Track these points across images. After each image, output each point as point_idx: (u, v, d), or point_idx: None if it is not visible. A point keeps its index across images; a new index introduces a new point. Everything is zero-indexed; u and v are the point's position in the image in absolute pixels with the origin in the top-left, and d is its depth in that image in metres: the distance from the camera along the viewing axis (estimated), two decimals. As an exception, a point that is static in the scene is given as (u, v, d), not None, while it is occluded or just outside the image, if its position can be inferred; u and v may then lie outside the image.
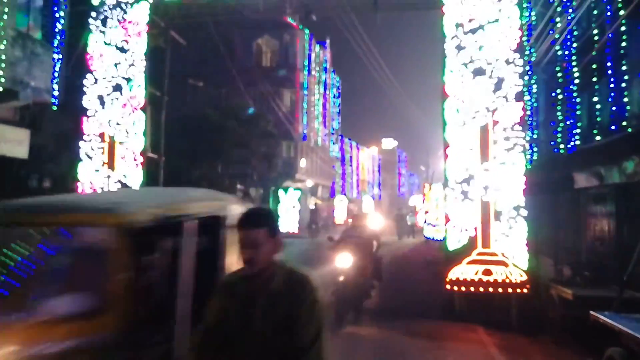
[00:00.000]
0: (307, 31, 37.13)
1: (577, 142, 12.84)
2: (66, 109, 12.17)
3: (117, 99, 10.28)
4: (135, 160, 10.18)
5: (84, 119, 10.34)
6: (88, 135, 10.31)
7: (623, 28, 10.85)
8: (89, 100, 10.35)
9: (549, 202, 13.34)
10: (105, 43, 10.44)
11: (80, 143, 10.30)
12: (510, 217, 8.68)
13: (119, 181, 10.17)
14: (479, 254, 8.81)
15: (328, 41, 45.06)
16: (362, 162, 68.57)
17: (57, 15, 12.53)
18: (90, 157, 10.26)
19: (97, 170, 10.23)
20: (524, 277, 8.53)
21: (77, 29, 11.78)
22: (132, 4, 10.43)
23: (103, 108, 10.30)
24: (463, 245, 8.89)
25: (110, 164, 10.24)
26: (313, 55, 40.05)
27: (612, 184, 11.02)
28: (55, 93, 12.44)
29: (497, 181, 8.76)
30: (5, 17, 10.77)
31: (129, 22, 10.41)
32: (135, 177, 10.16)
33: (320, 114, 43.29)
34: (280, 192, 29.46)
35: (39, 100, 11.74)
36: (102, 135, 10.29)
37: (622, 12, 10.57)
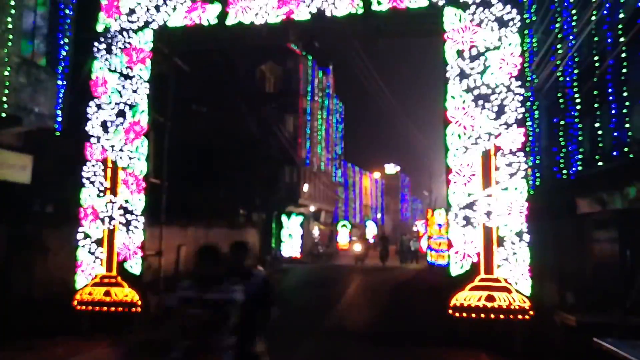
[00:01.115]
0: (310, 57, 37.56)
1: (579, 168, 12.82)
2: (69, 135, 12.24)
3: (121, 124, 10.34)
4: (137, 185, 10.18)
5: (87, 144, 10.39)
6: (91, 160, 10.34)
7: (624, 55, 10.95)
8: (92, 126, 10.41)
9: (552, 227, 13.25)
10: (109, 69, 10.54)
11: (83, 168, 10.32)
12: (513, 243, 8.62)
13: (122, 207, 10.16)
14: (482, 279, 8.72)
15: (331, 67, 45.54)
16: (365, 187, 68.57)
17: (61, 42, 12.71)
18: (92, 183, 10.27)
19: (99, 196, 10.23)
20: (527, 304, 8.43)
21: (81, 55, 11.93)
22: (136, 31, 10.57)
23: (106, 133, 10.35)
24: (466, 271, 8.82)
25: (113, 190, 10.25)
26: (316, 81, 40.43)
27: (614, 209, 10.97)
28: (59, 119, 12.53)
29: (500, 207, 8.72)
30: (10, 44, 10.93)
31: (133, 49, 10.52)
32: (137, 203, 10.15)
33: (323, 139, 43.49)
34: (283, 217, 29.40)
35: (42, 126, 11.83)
36: (105, 161, 10.32)
37: (622, 39, 10.68)
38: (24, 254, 11.28)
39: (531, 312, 8.40)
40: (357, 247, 24.05)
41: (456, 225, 8.95)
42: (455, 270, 8.88)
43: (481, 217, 8.80)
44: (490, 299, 8.60)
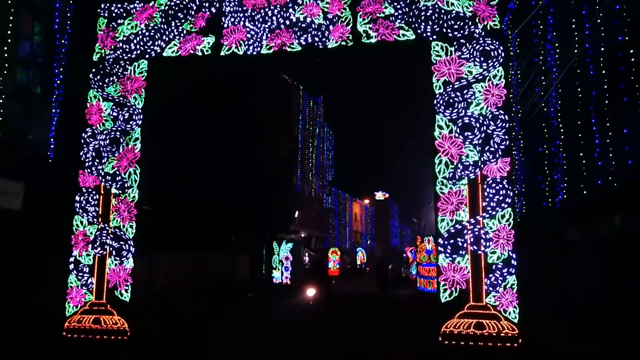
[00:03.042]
0: (301, 87, 38.08)
1: (565, 196, 13.07)
2: (63, 162, 12.32)
3: (114, 152, 10.45)
4: (129, 212, 10.25)
5: (80, 171, 10.47)
6: (84, 188, 10.41)
7: (606, 86, 11.31)
8: (86, 154, 10.51)
9: (540, 254, 13.42)
10: (104, 98, 10.70)
11: (76, 196, 10.38)
12: (501, 271, 8.75)
13: (113, 234, 10.20)
14: (471, 307, 8.83)
15: (321, 97, 46.15)
16: (355, 213, 68.67)
17: (56, 70, 12.89)
18: (85, 210, 10.32)
19: (91, 223, 10.27)
20: (516, 331, 8.53)
21: (76, 83, 12.10)
22: (131, 61, 10.78)
23: (100, 161, 10.45)
24: (455, 299, 8.92)
25: (105, 217, 10.30)
26: (307, 110, 40.90)
27: (601, 236, 11.17)
28: (52, 146, 12.62)
29: (487, 234, 8.88)
30: (5, 72, 11.09)
31: (128, 78, 10.71)
32: (129, 230, 10.20)
33: (314, 166, 43.75)
34: (274, 243, 29.33)
35: (35, 153, 11.91)
36: (97, 188, 10.39)
37: (604, 72, 11.07)
38: (13, 281, 11.21)
39: (520, 340, 8.49)
40: (310, 292, 19.60)
41: (445, 252, 9.09)
42: (444, 298, 8.98)
43: (469, 245, 8.95)
44: (479, 326, 8.69)
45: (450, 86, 9.47)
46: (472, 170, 9.14)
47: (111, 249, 10.18)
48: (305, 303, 18.92)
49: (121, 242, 10.17)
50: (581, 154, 12.26)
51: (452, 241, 9.06)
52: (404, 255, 45.35)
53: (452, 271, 8.97)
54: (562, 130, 13.27)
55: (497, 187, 8.97)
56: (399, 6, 9.83)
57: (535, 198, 14.79)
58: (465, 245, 8.98)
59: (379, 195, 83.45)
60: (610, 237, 11.26)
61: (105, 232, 10.23)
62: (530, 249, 12.04)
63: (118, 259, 10.14)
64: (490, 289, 8.76)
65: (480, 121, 9.25)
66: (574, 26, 12.41)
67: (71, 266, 10.24)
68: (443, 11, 9.62)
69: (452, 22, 9.56)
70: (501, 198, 8.93)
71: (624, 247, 10.67)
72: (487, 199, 8.99)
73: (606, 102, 11.26)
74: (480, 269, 8.86)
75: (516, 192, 15.14)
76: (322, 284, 21.28)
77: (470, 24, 9.52)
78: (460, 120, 9.34)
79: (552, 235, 13.03)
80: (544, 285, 12.77)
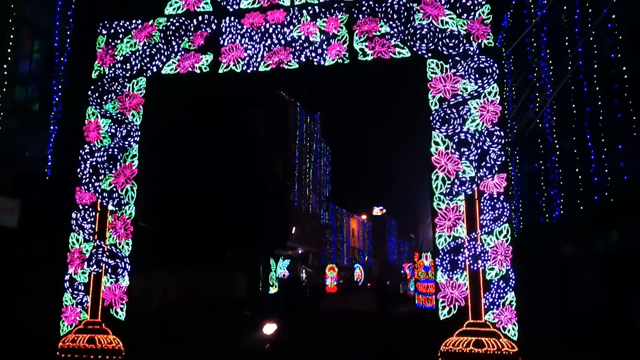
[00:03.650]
0: (298, 103, 38.29)
1: (562, 212, 13.10)
2: (60, 179, 12.31)
3: (112, 169, 10.46)
4: (126, 230, 10.22)
5: (77, 188, 10.46)
6: (80, 205, 10.39)
7: (600, 102, 11.43)
8: (83, 170, 10.52)
9: (538, 270, 13.41)
10: (102, 115, 10.74)
11: (72, 213, 10.36)
12: (499, 287, 8.73)
13: (109, 251, 10.15)
14: (470, 324, 8.78)
15: (319, 113, 46.38)
16: (352, 229, 68.53)
17: (55, 88, 12.95)
18: (81, 227, 10.29)
19: (87, 240, 10.24)
20: (516, 349, 8.47)
21: (74, 100, 12.16)
22: (130, 78, 10.84)
23: (97, 178, 10.44)
24: (453, 316, 8.87)
25: (101, 234, 10.27)
26: (304, 126, 41.08)
27: (598, 252, 11.18)
28: (50, 163, 12.62)
29: (485, 250, 8.88)
30: (4, 89, 11.14)
31: (126, 95, 10.76)
32: (125, 247, 10.17)
33: (311, 182, 43.79)
34: (271, 260, 29.25)
35: (33, 170, 11.90)
36: (94, 205, 10.38)
37: (597, 88, 11.19)
38: (8, 299, 11.12)
39: (520, 358, 8.44)
40: (269, 329, 14.85)
41: (443, 269, 9.07)
42: (442, 315, 8.94)
43: (467, 261, 8.94)
44: (479, 344, 8.63)
45: (446, 103, 9.55)
46: (469, 186, 9.17)
47: (107, 266, 10.12)
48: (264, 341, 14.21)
49: (117, 260, 10.12)
50: (577, 170, 12.33)
51: (450, 257, 9.05)
52: (402, 271, 45.19)
53: (451, 288, 8.95)
54: (557, 147, 13.36)
55: (494, 203, 8.99)
56: (394, 25, 9.95)
57: (532, 214, 14.82)
58: (463, 261, 8.97)
59: (377, 211, 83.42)
60: (607, 252, 11.27)
61: (101, 249, 10.18)
62: (527, 265, 12.04)
63: (114, 276, 10.08)
64: (489, 306, 8.73)
65: (476, 137, 9.30)
66: (567, 43, 12.57)
67: (66, 284, 10.17)
68: (438, 30, 9.74)
69: (447, 40, 9.67)
70: (498, 214, 8.95)
71: (621, 263, 10.68)
72: (485, 215, 9.00)
73: (600, 118, 11.36)
74: (479, 285, 8.83)
75: (513, 208, 15.18)
76: (291, 313, 17.32)
77: (464, 41, 9.63)
78: (456, 137, 9.40)
79: (550, 251, 13.03)
80: (542, 301, 12.74)
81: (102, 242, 10.21)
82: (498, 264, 8.81)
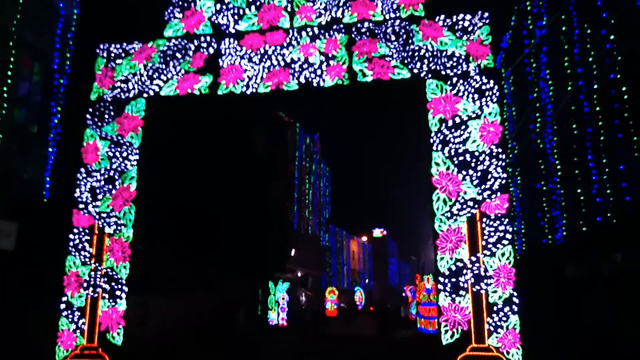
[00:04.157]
0: (297, 124, 38.40)
1: (564, 233, 12.97)
2: (57, 201, 12.21)
3: (109, 191, 10.36)
4: (123, 253, 10.08)
5: (75, 211, 10.35)
6: (78, 227, 10.27)
7: (600, 123, 11.39)
8: (81, 193, 10.42)
9: (541, 293, 13.21)
10: (101, 137, 10.68)
11: (70, 236, 10.23)
12: (502, 310, 8.56)
13: (106, 274, 9.99)
14: (473, 349, 8.58)
15: (318, 134, 46.49)
16: (353, 251, 68.11)
17: (54, 110, 12.94)
18: (78, 250, 10.15)
19: (84, 264, 10.09)
20: (521, 374, 8.27)
21: (73, 122, 12.12)
22: (129, 100, 10.82)
23: (94, 200, 10.34)
24: (456, 340, 8.68)
25: (98, 257, 10.12)
26: (304, 147, 41.12)
27: (602, 274, 11.02)
28: (47, 186, 12.54)
29: (488, 273, 8.73)
30: (3, 111, 11.11)
31: (125, 117, 10.72)
32: (122, 271, 10.01)
33: (310, 203, 43.64)
34: (270, 283, 28.89)
35: (30, 193, 11.80)
36: (91, 228, 10.25)
37: (598, 109, 11.17)
38: (4, 322, 10.93)
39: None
40: None
41: (445, 291, 8.91)
42: (445, 339, 8.75)
43: (469, 284, 8.78)
44: (482, 368, 8.42)
45: (447, 123, 9.50)
46: (471, 207, 9.06)
47: (104, 290, 9.95)
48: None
49: (114, 284, 9.96)
50: (579, 191, 12.24)
51: (452, 280, 8.89)
52: (404, 294, 44.75)
53: (453, 311, 8.77)
54: (559, 167, 13.29)
55: (496, 224, 8.87)
56: (393, 46, 9.96)
57: (535, 235, 14.67)
58: (465, 284, 8.81)
59: (377, 233, 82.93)
60: (611, 274, 11.11)
61: (98, 273, 10.02)
62: (531, 287, 11.86)
63: (111, 300, 9.91)
64: (493, 329, 8.55)
65: (477, 158, 9.23)
66: (566, 64, 12.59)
67: (63, 308, 9.98)
68: (437, 51, 9.75)
69: (447, 61, 9.67)
70: (500, 235, 8.83)
71: (626, 284, 10.51)
72: (487, 237, 8.88)
73: (602, 138, 11.31)
74: (482, 308, 8.66)
75: (515, 229, 15.05)
76: None
77: (464, 62, 9.63)
78: (457, 157, 9.33)
79: (553, 273, 12.86)
80: (546, 324, 12.52)
81: (99, 266, 10.06)
82: (501, 286, 8.65)
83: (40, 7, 12.61)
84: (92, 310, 9.93)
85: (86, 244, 10.16)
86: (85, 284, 9.99)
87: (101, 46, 11.18)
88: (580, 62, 12.00)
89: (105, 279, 9.99)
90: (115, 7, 14.76)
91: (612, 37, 10.84)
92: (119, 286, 9.95)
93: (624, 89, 10.44)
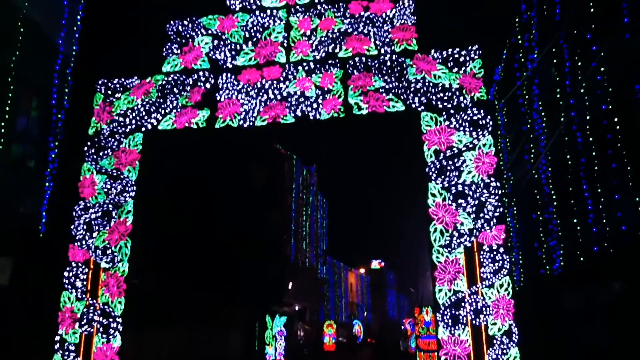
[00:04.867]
0: (295, 156, 38.58)
1: (562, 263, 12.94)
2: (53, 236, 12.15)
3: (106, 225, 10.33)
4: (118, 287, 9.98)
5: (71, 246, 10.29)
6: (73, 262, 10.19)
7: (594, 153, 11.51)
8: (77, 227, 10.38)
9: (540, 324, 13.09)
10: (98, 171, 10.70)
11: (65, 271, 10.14)
12: (502, 343, 8.47)
13: (101, 310, 9.86)
14: (474, 382, 8.44)
15: (315, 165, 46.66)
16: (351, 283, 67.49)
17: (52, 145, 13.01)
18: (73, 285, 10.05)
19: (79, 299, 9.97)
20: (523, 408, 8.12)
21: (71, 157, 12.17)
22: (127, 134, 10.89)
23: (90, 235, 10.30)
24: (457, 374, 8.55)
25: (93, 292, 10.01)
26: (300, 179, 41.20)
27: (601, 304, 10.95)
28: (44, 220, 12.50)
29: (487, 305, 8.67)
30: (1, 146, 11.17)
31: (123, 151, 10.77)
32: (117, 305, 9.89)
33: (307, 235, 43.45)
34: (267, 317, 28.49)
35: (26, 228, 11.76)
36: (87, 263, 10.17)
37: (591, 139, 11.30)
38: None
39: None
40: None
41: (444, 324, 8.82)
42: (445, 372, 8.62)
43: (469, 316, 8.71)
44: (483, 403, 8.28)
45: (442, 155, 9.59)
46: (468, 238, 9.06)
47: (99, 326, 9.81)
48: None
49: (109, 319, 9.82)
50: (575, 221, 12.27)
51: (451, 312, 8.82)
52: (402, 327, 44.16)
53: (453, 344, 8.67)
54: (554, 197, 13.35)
55: (494, 255, 8.86)
56: (388, 79, 10.13)
57: (533, 266, 14.62)
58: (465, 316, 8.74)
59: (375, 264, 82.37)
60: (610, 304, 11.03)
61: (92, 308, 9.90)
62: (530, 319, 11.75)
63: (105, 337, 9.75)
64: (493, 362, 8.43)
65: (473, 189, 9.28)
66: (558, 95, 12.80)
67: (57, 345, 9.81)
68: (431, 84, 9.92)
69: (440, 93, 9.83)
70: (498, 266, 8.80)
71: (625, 315, 10.43)
72: (485, 268, 8.85)
73: (596, 168, 11.41)
74: (482, 341, 8.57)
75: (513, 260, 15.01)
76: None
77: (457, 95, 9.78)
78: (453, 188, 9.38)
79: (552, 304, 12.76)
80: (545, 356, 12.36)
81: (94, 301, 9.94)
82: (500, 318, 8.58)
83: (39, 43, 12.82)
84: (86, 347, 9.76)
85: (81, 279, 10.07)
86: (79, 320, 9.85)
87: (100, 81, 11.32)
88: (572, 93, 12.21)
89: (100, 315, 9.85)
90: (114, 44, 14.99)
91: (602, 69, 11.06)
92: (114, 322, 9.81)
93: (615, 119, 10.59)
